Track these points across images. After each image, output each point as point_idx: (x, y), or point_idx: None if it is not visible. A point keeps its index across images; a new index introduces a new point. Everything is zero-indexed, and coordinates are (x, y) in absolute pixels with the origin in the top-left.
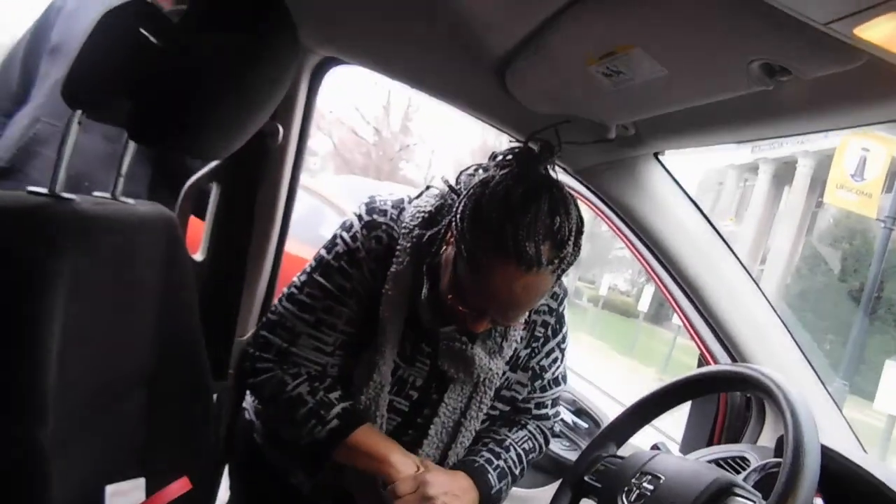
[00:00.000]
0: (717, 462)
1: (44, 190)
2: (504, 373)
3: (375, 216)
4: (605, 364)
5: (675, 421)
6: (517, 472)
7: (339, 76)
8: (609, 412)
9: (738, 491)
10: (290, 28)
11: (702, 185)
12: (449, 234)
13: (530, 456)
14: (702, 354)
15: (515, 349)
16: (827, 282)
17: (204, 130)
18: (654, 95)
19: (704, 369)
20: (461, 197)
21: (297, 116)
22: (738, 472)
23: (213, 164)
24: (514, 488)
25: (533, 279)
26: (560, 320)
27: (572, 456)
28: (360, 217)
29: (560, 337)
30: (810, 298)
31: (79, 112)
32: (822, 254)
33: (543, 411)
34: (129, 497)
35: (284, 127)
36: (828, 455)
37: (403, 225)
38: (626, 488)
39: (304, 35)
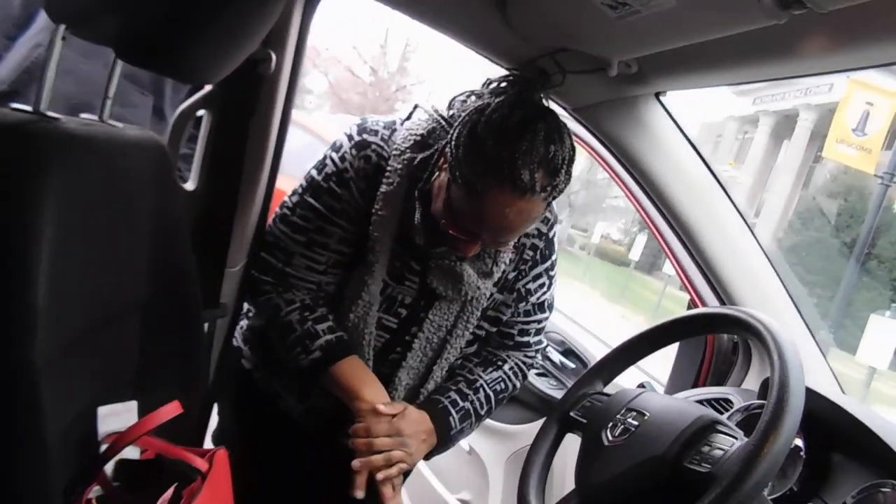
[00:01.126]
0: (701, 402)
1: (28, 108)
2: (491, 294)
3: (366, 136)
4: (595, 310)
5: (661, 366)
6: (483, 412)
7: (336, 12)
8: (597, 353)
9: (721, 428)
10: None
11: (700, 137)
12: (442, 159)
13: (501, 396)
14: (692, 300)
15: (504, 271)
16: (819, 237)
17: (193, 52)
18: (661, 29)
19: (695, 310)
20: (456, 123)
21: (290, 44)
22: (722, 413)
23: (205, 91)
24: (500, 424)
25: (526, 204)
26: (549, 245)
27: (559, 395)
28: (350, 137)
29: (549, 263)
30: (801, 252)
31: (62, 27)
32: (817, 208)
33: (526, 339)
34: (121, 419)
35: (277, 55)
36: (811, 396)
37: (395, 146)
38: (610, 423)
39: None
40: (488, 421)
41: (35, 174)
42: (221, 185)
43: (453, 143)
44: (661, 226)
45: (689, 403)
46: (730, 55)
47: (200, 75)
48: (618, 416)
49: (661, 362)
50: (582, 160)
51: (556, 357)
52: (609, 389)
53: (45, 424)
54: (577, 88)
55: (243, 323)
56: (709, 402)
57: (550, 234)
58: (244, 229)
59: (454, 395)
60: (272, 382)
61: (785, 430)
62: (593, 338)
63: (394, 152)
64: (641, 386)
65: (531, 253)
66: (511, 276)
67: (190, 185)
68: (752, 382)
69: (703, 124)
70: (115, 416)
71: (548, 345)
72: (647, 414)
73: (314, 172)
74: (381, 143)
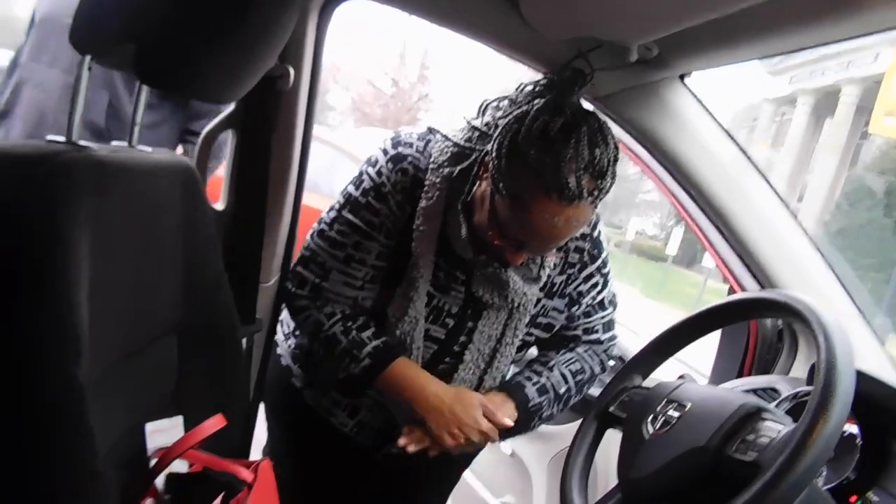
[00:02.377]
0: (747, 391)
1: (62, 138)
2: (539, 300)
3: (401, 149)
4: (633, 307)
5: (703, 358)
6: (562, 390)
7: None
8: (635, 350)
9: (766, 416)
10: None
11: (734, 123)
12: (482, 169)
13: (579, 377)
14: (731, 288)
15: (549, 275)
16: (870, 217)
17: (213, 72)
18: (677, 8)
19: (732, 297)
20: (496, 134)
21: (307, 57)
22: (769, 402)
23: (228, 111)
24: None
25: (574, 211)
26: (596, 245)
27: (598, 392)
28: (385, 151)
29: (600, 262)
30: (851, 235)
31: (88, 57)
32: (866, 187)
33: (594, 336)
34: (168, 434)
35: (295, 69)
36: (865, 380)
37: (431, 159)
38: (651, 416)
39: None
40: None
41: (70, 202)
42: (249, 202)
43: (494, 154)
44: (695, 214)
45: (731, 392)
46: (754, 27)
47: (222, 95)
48: (658, 409)
49: (704, 354)
50: None
51: None
52: (648, 384)
53: (96, 442)
54: (597, 77)
55: (291, 342)
56: (754, 392)
57: (595, 234)
58: (275, 244)
59: (528, 373)
60: (322, 400)
61: (834, 414)
62: (631, 333)
63: (431, 165)
64: (682, 377)
65: (577, 255)
66: (558, 280)
67: (220, 205)
68: (801, 370)
69: (735, 110)
70: (163, 432)
71: None
72: (689, 404)
73: (351, 188)
74: (417, 155)
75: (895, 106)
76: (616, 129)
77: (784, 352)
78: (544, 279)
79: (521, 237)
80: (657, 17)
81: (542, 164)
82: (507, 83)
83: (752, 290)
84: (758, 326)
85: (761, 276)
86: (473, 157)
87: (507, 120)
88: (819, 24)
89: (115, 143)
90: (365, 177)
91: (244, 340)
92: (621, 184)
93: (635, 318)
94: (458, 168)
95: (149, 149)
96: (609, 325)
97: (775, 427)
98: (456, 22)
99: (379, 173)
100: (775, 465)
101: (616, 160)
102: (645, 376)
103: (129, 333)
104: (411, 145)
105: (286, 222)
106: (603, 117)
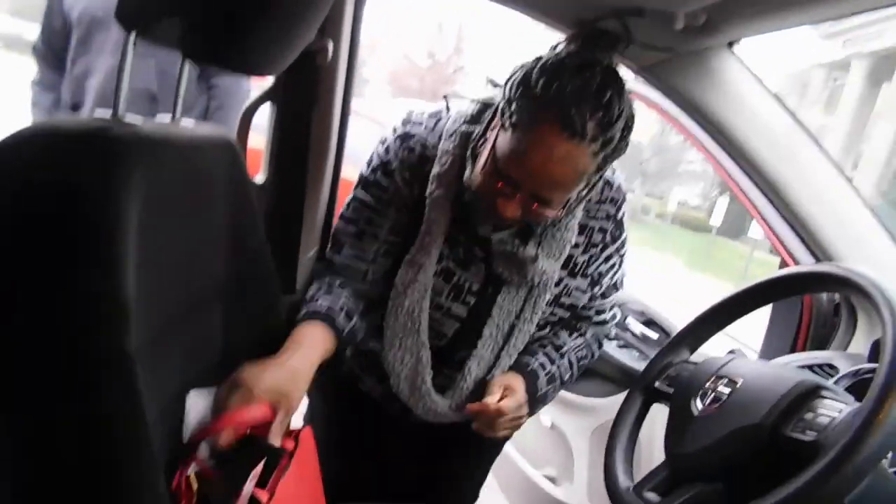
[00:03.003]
0: (801, 367)
1: (107, 114)
2: (562, 279)
3: (409, 128)
4: (677, 279)
5: (754, 333)
6: (566, 378)
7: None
8: (679, 324)
9: (826, 394)
10: None
11: (783, 89)
12: (494, 120)
13: (582, 363)
14: (783, 261)
15: (572, 255)
16: None
17: (255, 46)
18: None
19: (787, 270)
20: (511, 73)
21: (345, 33)
22: (826, 379)
23: (268, 85)
24: (581, 398)
25: (574, 149)
26: (619, 226)
27: (641, 366)
28: (394, 129)
29: (619, 243)
30: None
31: (133, 34)
32: None
33: (602, 317)
34: (209, 402)
35: (334, 44)
36: None
37: (446, 129)
38: (700, 392)
39: None
40: (569, 395)
41: (119, 175)
42: (289, 176)
43: (506, 89)
44: (744, 185)
45: (786, 368)
46: None
47: (264, 68)
48: (707, 385)
49: (752, 329)
50: (653, 125)
51: (638, 329)
52: (695, 358)
53: (144, 407)
54: (644, 45)
55: None
56: (809, 368)
57: (619, 216)
58: (314, 217)
59: (543, 359)
60: (352, 364)
61: None
62: (675, 307)
63: (444, 135)
64: (731, 352)
65: (600, 235)
66: (581, 259)
67: (260, 178)
68: (860, 346)
69: (785, 76)
70: (205, 400)
71: (628, 315)
72: (740, 380)
73: (364, 168)
74: (425, 135)
75: None
76: (662, 101)
77: (841, 327)
78: (564, 255)
79: (516, 175)
80: None
81: (548, 90)
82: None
83: (807, 263)
84: (812, 300)
85: (816, 249)
86: (488, 111)
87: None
88: None
89: (159, 116)
90: (374, 155)
91: (285, 311)
92: (663, 154)
93: (680, 291)
94: (475, 129)
95: (192, 122)
96: (614, 306)
97: (836, 406)
98: None
99: (387, 150)
100: (838, 446)
101: (629, 120)
102: (692, 350)
103: (178, 302)
104: (421, 124)
105: (325, 195)
106: (648, 92)
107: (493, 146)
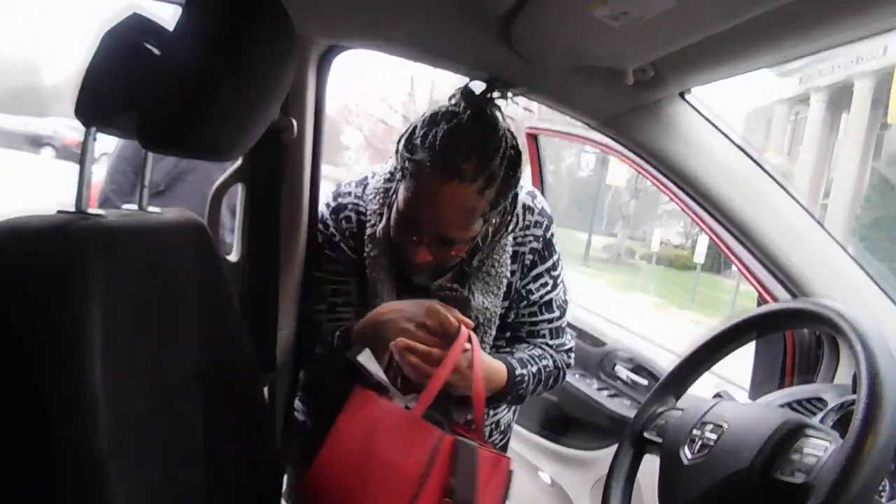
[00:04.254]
0: (790, 405)
1: (71, 208)
2: (504, 309)
3: (340, 199)
4: (665, 320)
5: (743, 366)
6: (534, 369)
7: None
8: (669, 366)
9: (810, 432)
10: (284, 20)
11: (748, 124)
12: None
13: (543, 362)
14: (760, 296)
15: (511, 283)
16: None
17: (214, 132)
18: (665, 31)
19: (760, 309)
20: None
21: (308, 108)
22: (815, 414)
23: (236, 165)
24: (577, 451)
25: (456, 190)
26: (548, 247)
27: (633, 414)
28: (327, 206)
29: (550, 263)
30: (885, 226)
31: (93, 129)
32: (890, 179)
33: (541, 340)
34: None
35: (298, 120)
36: None
37: (372, 191)
38: (688, 440)
39: (303, 25)
40: (565, 449)
41: (81, 271)
42: (263, 253)
43: (398, 144)
44: (714, 226)
45: (769, 409)
46: (745, 42)
47: (226, 152)
48: (694, 432)
49: (742, 361)
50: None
51: (625, 374)
52: (684, 401)
53: (119, 502)
54: (597, 102)
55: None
56: (799, 403)
57: (548, 236)
58: (290, 291)
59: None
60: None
61: (884, 427)
62: (663, 350)
63: (368, 197)
64: (717, 395)
65: (531, 257)
66: (519, 284)
67: (233, 257)
68: (845, 375)
69: (748, 112)
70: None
71: (616, 363)
72: (725, 425)
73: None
74: (356, 200)
75: None
76: (628, 153)
77: (825, 358)
78: (503, 288)
79: (412, 213)
80: (649, 40)
81: (425, 140)
82: (517, 109)
83: (784, 299)
84: (794, 334)
85: (789, 283)
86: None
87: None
88: (814, 32)
89: (125, 206)
90: (318, 234)
91: (265, 389)
92: (641, 197)
93: (669, 332)
94: (391, 183)
95: (159, 210)
96: (557, 332)
97: (821, 444)
98: (447, 60)
99: (326, 226)
100: (827, 488)
101: (510, 156)
102: (678, 396)
103: (151, 392)
104: (349, 193)
105: (300, 269)
106: (614, 144)
107: (397, 201)
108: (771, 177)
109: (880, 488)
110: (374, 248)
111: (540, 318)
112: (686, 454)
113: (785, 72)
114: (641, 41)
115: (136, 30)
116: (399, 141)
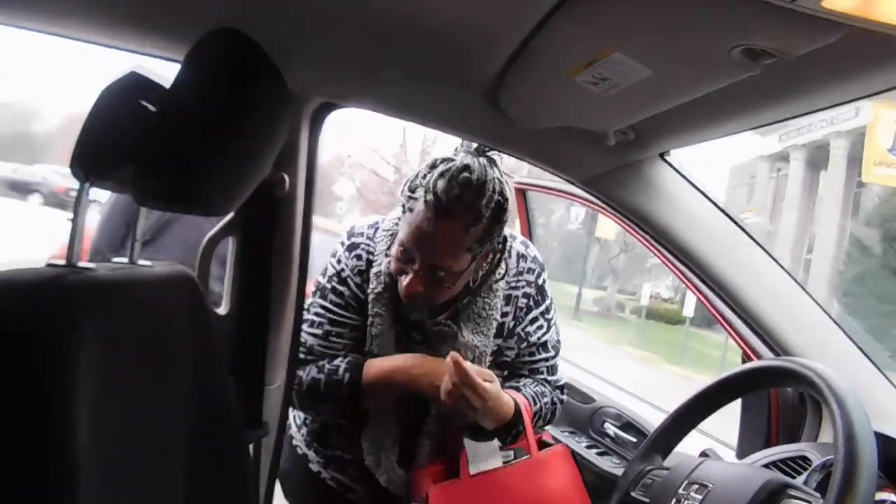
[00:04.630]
0: (776, 463)
1: (62, 262)
2: (498, 346)
3: (354, 239)
4: (654, 376)
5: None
6: (540, 399)
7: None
8: (657, 423)
9: (792, 492)
10: (278, 79)
11: (732, 179)
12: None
13: (544, 399)
14: (745, 354)
15: (504, 323)
16: (885, 262)
17: (207, 188)
18: (644, 97)
19: (737, 369)
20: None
21: (301, 164)
22: (800, 473)
23: (227, 218)
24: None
25: (447, 224)
26: (541, 292)
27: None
28: (342, 243)
29: (543, 307)
30: (868, 282)
31: (88, 184)
32: (875, 235)
33: (541, 377)
34: None
35: (290, 175)
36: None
37: (379, 234)
38: (674, 500)
39: (297, 83)
40: None
41: (67, 322)
42: (253, 307)
43: (404, 187)
44: (698, 283)
45: (753, 469)
46: (720, 109)
47: (220, 207)
48: (680, 492)
49: (731, 418)
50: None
51: (613, 431)
52: (673, 459)
53: None
54: (581, 161)
55: (303, 430)
56: (784, 462)
57: (540, 282)
58: (279, 346)
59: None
60: (341, 476)
61: (861, 487)
62: (650, 406)
63: (378, 239)
64: (703, 454)
65: (525, 300)
66: (510, 323)
67: (223, 310)
68: (828, 434)
69: (733, 167)
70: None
71: (605, 421)
72: (710, 485)
73: (319, 277)
74: (368, 242)
75: (883, 156)
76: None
77: (808, 416)
78: (493, 326)
79: (408, 244)
80: (629, 104)
81: (425, 180)
82: (507, 158)
83: (767, 357)
84: (777, 392)
85: (771, 340)
86: None
87: None
88: (779, 103)
89: (116, 259)
90: (329, 266)
91: (251, 446)
92: (629, 250)
93: (658, 387)
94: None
95: (149, 263)
96: (553, 369)
97: None
98: (437, 121)
99: (338, 262)
100: None
101: (497, 200)
102: (664, 456)
103: (136, 449)
104: (363, 234)
105: (290, 324)
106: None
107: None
108: (751, 237)
109: None
110: (378, 284)
111: (538, 356)
112: None
113: (765, 130)
114: (621, 105)
115: (133, 88)
116: (405, 184)
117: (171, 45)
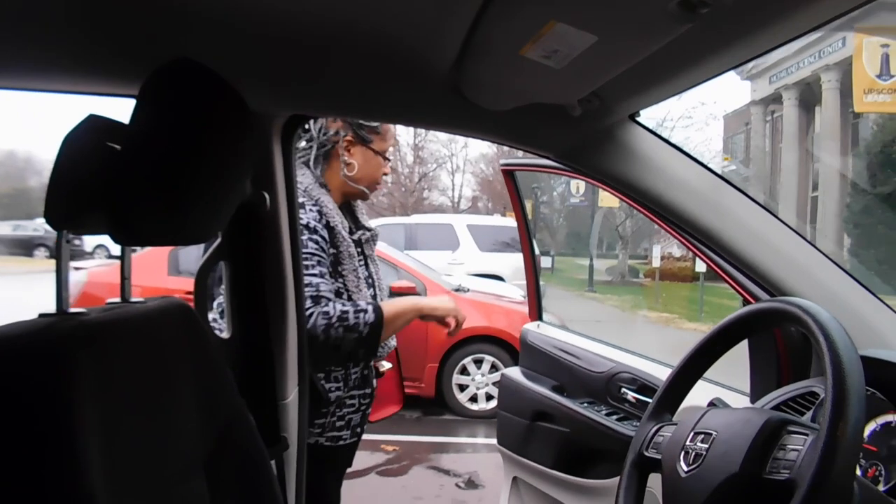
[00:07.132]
0: (787, 402)
1: (53, 310)
2: None
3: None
4: (676, 336)
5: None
6: None
7: None
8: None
9: (792, 428)
10: (237, 100)
11: (727, 129)
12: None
13: None
14: (744, 300)
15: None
16: (890, 189)
17: (182, 218)
18: (597, 63)
19: (726, 318)
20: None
21: (279, 179)
22: (810, 408)
23: (215, 244)
24: (593, 481)
25: None
26: None
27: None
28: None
29: None
30: (876, 211)
31: (65, 232)
32: (876, 163)
33: None
34: None
35: (270, 192)
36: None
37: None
38: (682, 452)
39: (257, 102)
40: (584, 480)
41: (68, 370)
42: (253, 327)
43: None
44: (691, 239)
45: (753, 411)
46: (676, 62)
47: (201, 235)
48: (687, 444)
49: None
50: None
51: (631, 396)
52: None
53: None
54: (553, 135)
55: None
56: (794, 400)
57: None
58: (286, 360)
59: None
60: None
61: (852, 413)
62: (664, 366)
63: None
64: (711, 403)
65: None
66: None
67: (225, 334)
68: None
69: (726, 116)
70: None
71: (621, 387)
72: (714, 433)
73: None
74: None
75: (871, 83)
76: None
77: (815, 353)
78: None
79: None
80: (585, 73)
81: None
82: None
83: (765, 299)
84: (781, 334)
85: (768, 286)
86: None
87: None
88: (730, 49)
89: (109, 300)
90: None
91: (273, 462)
92: (635, 215)
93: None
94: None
95: (142, 299)
96: None
97: (801, 438)
98: (406, 117)
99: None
100: (807, 478)
101: None
102: (673, 411)
103: (153, 482)
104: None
105: (293, 337)
106: None
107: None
108: (730, 184)
109: (877, 474)
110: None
111: None
112: (682, 467)
113: (753, 74)
114: (578, 75)
115: (94, 131)
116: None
117: (124, 81)
